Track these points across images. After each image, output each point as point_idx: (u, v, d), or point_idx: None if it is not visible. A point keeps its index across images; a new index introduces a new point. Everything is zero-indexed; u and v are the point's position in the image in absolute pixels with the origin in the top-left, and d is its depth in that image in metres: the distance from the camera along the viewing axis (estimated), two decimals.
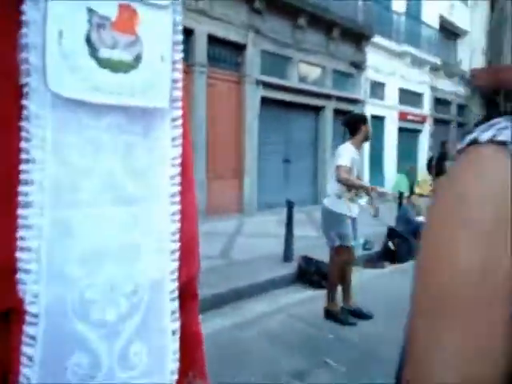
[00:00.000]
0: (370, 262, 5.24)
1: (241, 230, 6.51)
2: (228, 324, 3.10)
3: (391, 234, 5.82)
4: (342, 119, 3.89)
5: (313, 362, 2.46)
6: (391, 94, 12.49)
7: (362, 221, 8.03)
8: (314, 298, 3.65)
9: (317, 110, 10.49)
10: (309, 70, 10.21)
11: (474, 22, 16.43)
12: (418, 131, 13.94)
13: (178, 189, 0.59)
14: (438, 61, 13.92)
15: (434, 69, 14.15)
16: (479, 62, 16.84)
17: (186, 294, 0.65)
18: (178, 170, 0.59)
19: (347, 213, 3.16)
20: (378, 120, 12.19)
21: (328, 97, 10.36)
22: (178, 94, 0.59)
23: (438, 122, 14.75)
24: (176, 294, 0.60)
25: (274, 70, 9.04)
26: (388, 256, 5.43)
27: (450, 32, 16.12)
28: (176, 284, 0.60)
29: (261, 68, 8.60)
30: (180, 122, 0.59)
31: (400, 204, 6.78)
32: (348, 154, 3.14)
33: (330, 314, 3.18)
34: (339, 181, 3.11)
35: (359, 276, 4.48)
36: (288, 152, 9.80)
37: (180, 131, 0.59)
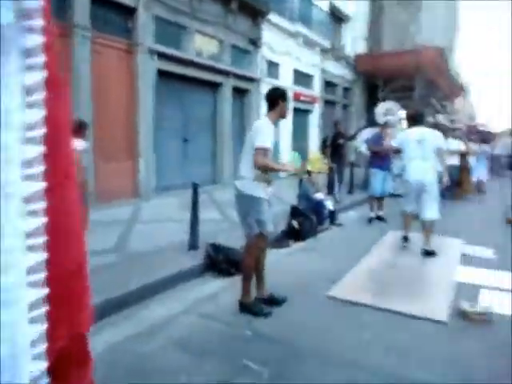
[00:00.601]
0: (276, 241, 5.23)
1: (138, 217, 5.94)
2: (125, 336, 2.60)
3: (294, 212, 5.91)
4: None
5: (232, 367, 2.22)
6: (286, 75, 12.72)
7: None
8: (225, 289, 3.43)
9: (215, 86, 10.11)
10: (206, 43, 9.72)
11: (357, 9, 17.61)
12: (309, 111, 14.57)
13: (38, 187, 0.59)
14: (327, 44, 14.58)
15: (324, 51, 14.82)
16: (361, 47, 18.26)
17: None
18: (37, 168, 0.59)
19: (264, 196, 2.94)
20: None
21: (226, 73, 10.04)
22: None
23: (326, 103, 15.61)
24: None
25: (170, 39, 8.35)
26: (292, 234, 5.49)
27: (336, 16, 17.00)
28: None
29: (155, 36, 7.85)
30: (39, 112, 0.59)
31: (300, 182, 6.93)
32: (268, 133, 2.89)
33: (244, 307, 2.97)
34: (258, 166, 2.88)
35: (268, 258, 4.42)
36: (187, 130, 9.30)
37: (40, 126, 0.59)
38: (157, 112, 8.10)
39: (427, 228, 4.70)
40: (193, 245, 4.15)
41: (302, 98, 13.63)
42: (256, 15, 10.83)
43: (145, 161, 7.80)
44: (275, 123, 3.02)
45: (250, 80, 11.02)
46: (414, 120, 5.03)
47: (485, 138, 14.42)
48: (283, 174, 10.63)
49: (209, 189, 9.25)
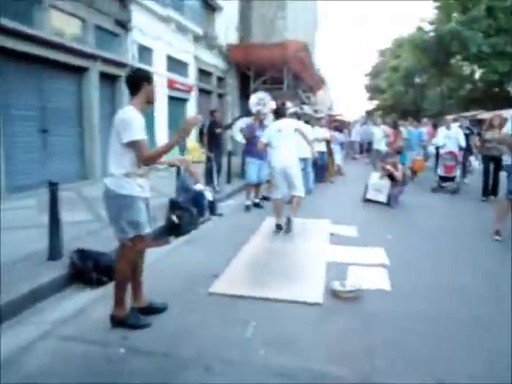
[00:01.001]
0: (154, 239, 4.91)
1: None
2: None
3: (173, 205, 5.66)
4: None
5: None
6: (159, 60, 12.13)
7: None
8: (95, 302, 3.03)
9: (79, 71, 9.04)
10: (65, 22, 8.59)
11: None
12: (186, 100, 14.24)
13: None
14: (200, 31, 14.36)
15: (197, 39, 14.57)
16: (233, 37, 18.52)
17: None
18: None
19: (139, 194, 2.62)
20: None
21: (92, 57, 9.06)
22: None
23: (202, 91, 15.45)
24: None
25: (16, 12, 7.10)
26: (172, 230, 5.24)
27: (208, 5, 16.85)
28: None
29: None
30: None
31: (178, 173, 6.68)
32: (136, 123, 2.54)
33: (117, 321, 2.63)
34: (145, 160, 2.57)
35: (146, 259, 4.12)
36: (46, 120, 8.13)
37: None
38: (3, 98, 6.87)
39: (295, 202, 5.30)
40: (53, 253, 3.58)
41: (177, 86, 13.21)
42: None
43: None
44: (143, 110, 2.67)
45: (121, 65, 10.16)
46: (277, 114, 5.79)
47: (341, 126, 16.17)
48: (161, 165, 10.14)
49: (77, 185, 8.32)
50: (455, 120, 10.41)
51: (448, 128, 8.76)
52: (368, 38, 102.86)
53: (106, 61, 9.47)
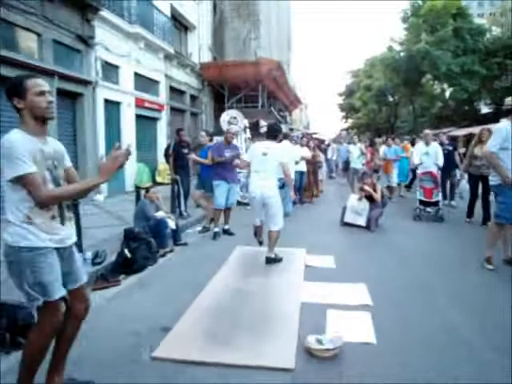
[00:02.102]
0: (102, 279, 4.24)
1: None
2: None
3: (129, 236, 5.01)
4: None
5: None
6: (126, 78, 11.56)
7: (99, 222, 6.84)
8: (9, 372, 2.35)
9: None
10: (19, 36, 7.96)
11: (201, 18, 17.48)
12: (157, 119, 13.67)
13: None
14: (171, 49, 13.93)
15: (168, 58, 14.13)
16: (207, 56, 18.21)
17: None
18: None
19: (48, 244, 1.95)
20: (114, 105, 11.08)
21: (48, 73, 8.39)
22: None
23: (174, 110, 14.93)
24: None
25: None
26: (125, 266, 4.56)
27: (180, 24, 16.53)
28: None
29: None
30: None
31: (138, 198, 6.04)
32: (24, 150, 1.84)
33: None
34: (44, 202, 1.90)
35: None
36: None
37: None
38: None
39: (272, 238, 4.74)
40: None
41: (146, 105, 12.64)
42: (85, 10, 9.44)
43: None
44: (37, 131, 1.95)
45: (83, 82, 9.53)
46: (270, 134, 4.97)
47: (319, 144, 15.91)
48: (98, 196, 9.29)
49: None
50: (435, 136, 9.60)
51: (427, 144, 7.86)
52: (341, 59, 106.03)
53: (65, 77, 8.82)
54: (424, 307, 3.46)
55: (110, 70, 10.81)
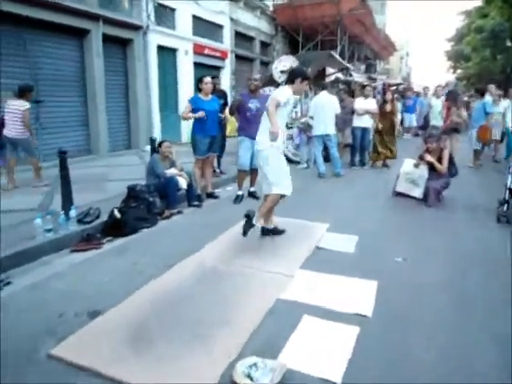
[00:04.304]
0: (85, 241, 3.87)
1: None
2: None
3: (129, 195, 4.61)
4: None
5: None
6: (184, 22, 10.91)
7: (129, 174, 6.51)
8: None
9: (80, 34, 8.19)
10: None
11: None
12: (219, 67, 12.94)
13: None
14: None
15: None
16: None
17: None
18: None
19: None
20: (169, 52, 10.60)
21: (94, 18, 8.13)
22: None
23: (240, 58, 14.01)
24: None
25: None
26: (115, 227, 4.14)
27: None
28: None
29: None
30: None
31: (152, 152, 5.57)
32: None
33: None
34: None
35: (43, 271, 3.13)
36: (39, 90, 7.44)
37: None
38: None
39: (268, 201, 3.84)
40: None
41: (206, 52, 11.95)
42: None
43: None
44: None
45: (131, 27, 9.15)
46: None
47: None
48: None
49: (82, 160, 7.86)
50: None
51: None
52: None
53: (112, 22, 8.48)
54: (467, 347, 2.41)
55: (165, 14, 10.23)
